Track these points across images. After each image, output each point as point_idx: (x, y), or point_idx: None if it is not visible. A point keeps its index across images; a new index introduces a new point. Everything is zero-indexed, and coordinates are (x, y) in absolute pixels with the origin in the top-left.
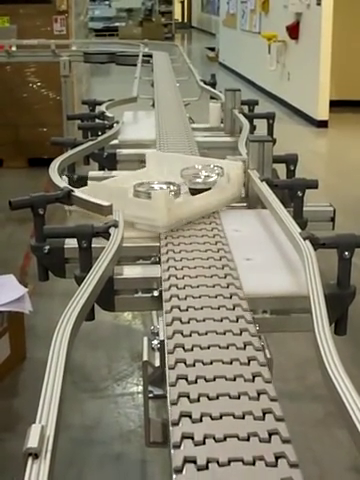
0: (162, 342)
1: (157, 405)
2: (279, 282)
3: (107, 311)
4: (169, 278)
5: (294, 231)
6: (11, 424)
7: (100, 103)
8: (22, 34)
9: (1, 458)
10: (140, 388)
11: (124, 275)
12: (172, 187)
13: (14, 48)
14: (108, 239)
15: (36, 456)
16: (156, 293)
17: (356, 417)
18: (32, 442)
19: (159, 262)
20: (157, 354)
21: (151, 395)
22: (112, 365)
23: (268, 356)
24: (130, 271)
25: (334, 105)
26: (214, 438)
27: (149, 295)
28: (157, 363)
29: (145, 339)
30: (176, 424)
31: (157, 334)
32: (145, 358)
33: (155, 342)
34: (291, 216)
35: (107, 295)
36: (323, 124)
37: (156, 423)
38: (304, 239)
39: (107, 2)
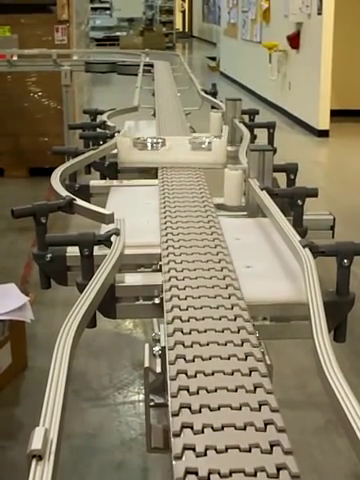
0: (163, 349)
1: (158, 414)
2: (279, 289)
3: (109, 318)
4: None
5: (294, 239)
6: (12, 432)
7: (101, 112)
8: (23, 44)
9: (2, 466)
10: (141, 396)
11: (126, 282)
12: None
13: (15, 57)
14: (110, 247)
15: (40, 458)
16: (157, 300)
17: (355, 423)
18: (36, 444)
19: (160, 270)
20: (158, 361)
21: (152, 403)
22: (113, 374)
23: (268, 362)
24: (131, 278)
25: (335, 115)
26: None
27: (150, 302)
28: (158, 369)
29: (146, 346)
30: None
31: (158, 341)
32: (146, 364)
33: (156, 349)
34: (291, 224)
35: (109, 302)
36: (324, 134)
37: (157, 429)
38: (304, 247)
39: (108, 12)
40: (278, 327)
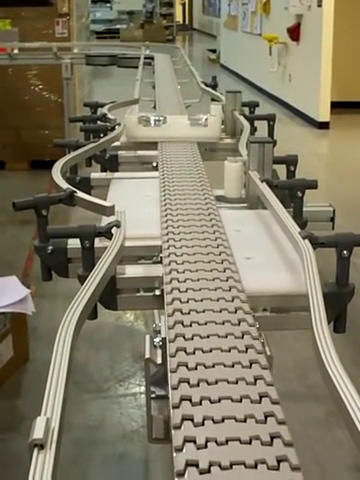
0: (164, 339)
1: (159, 405)
2: (279, 281)
3: (110, 310)
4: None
5: (293, 230)
6: (15, 424)
7: (102, 105)
8: (24, 37)
9: (5, 457)
10: (142, 388)
11: (126, 274)
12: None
13: (16, 51)
14: (110, 239)
15: (42, 447)
16: (158, 292)
17: (355, 414)
18: (38, 433)
19: (161, 261)
20: (159, 351)
21: (153, 395)
22: (115, 366)
23: (268, 353)
24: (132, 270)
25: (335, 106)
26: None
27: (151, 294)
28: (159, 360)
29: (147, 337)
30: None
31: (159, 332)
32: (147, 356)
33: (157, 340)
34: (291, 216)
35: (110, 294)
36: (324, 125)
37: (158, 420)
38: (303, 238)
39: (108, 4)
40: (278, 318)
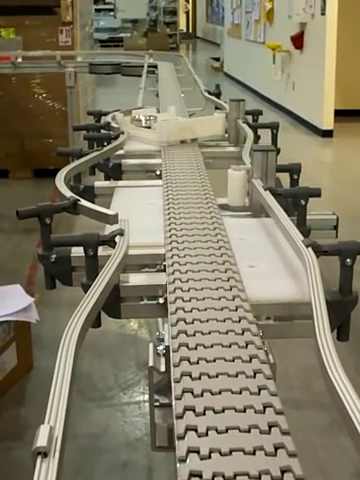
0: (167, 347)
1: (163, 413)
2: (282, 289)
3: (113, 318)
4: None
5: (297, 239)
6: (18, 433)
7: (106, 114)
8: (27, 45)
9: (9, 466)
10: (146, 397)
11: (130, 283)
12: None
13: (20, 59)
14: (114, 247)
15: (45, 455)
16: (161, 300)
17: (358, 422)
18: (41, 441)
19: (164, 270)
20: (163, 360)
21: (157, 403)
22: (118, 374)
23: (272, 361)
24: (136, 279)
25: (339, 114)
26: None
27: (154, 302)
28: (162, 368)
29: (151, 345)
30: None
31: (162, 340)
32: (151, 364)
33: (160, 348)
34: (294, 224)
35: (113, 302)
36: (328, 134)
37: (162, 428)
38: (307, 246)
39: (112, 13)
40: (281, 326)
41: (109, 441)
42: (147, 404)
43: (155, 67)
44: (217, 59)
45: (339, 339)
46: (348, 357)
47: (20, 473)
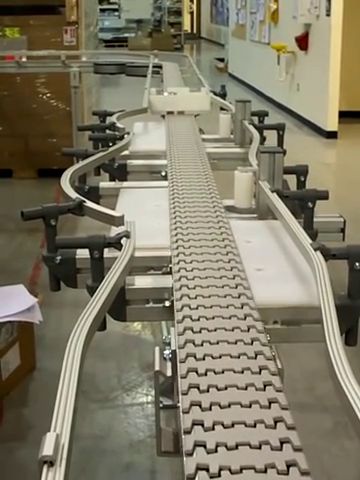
0: (174, 352)
1: (167, 416)
2: (290, 293)
3: (119, 321)
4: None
5: (305, 242)
6: (21, 433)
7: (111, 114)
8: (32, 45)
9: (12, 467)
10: (150, 398)
11: (136, 285)
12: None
13: (24, 59)
14: (120, 249)
15: (51, 464)
16: (167, 303)
17: None
18: (47, 450)
19: (170, 272)
20: (169, 364)
21: (162, 405)
22: (122, 375)
23: (279, 366)
24: (142, 281)
25: (343, 116)
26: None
27: (160, 305)
28: (169, 373)
29: (157, 349)
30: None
31: (169, 344)
32: (157, 368)
33: (167, 352)
34: (302, 227)
35: (119, 305)
36: (332, 135)
37: (167, 433)
38: (315, 250)
39: (117, 13)
40: (289, 331)
41: (112, 443)
42: (150, 405)
43: (160, 67)
44: (221, 60)
45: (347, 344)
46: (357, 361)
47: (23, 474)
